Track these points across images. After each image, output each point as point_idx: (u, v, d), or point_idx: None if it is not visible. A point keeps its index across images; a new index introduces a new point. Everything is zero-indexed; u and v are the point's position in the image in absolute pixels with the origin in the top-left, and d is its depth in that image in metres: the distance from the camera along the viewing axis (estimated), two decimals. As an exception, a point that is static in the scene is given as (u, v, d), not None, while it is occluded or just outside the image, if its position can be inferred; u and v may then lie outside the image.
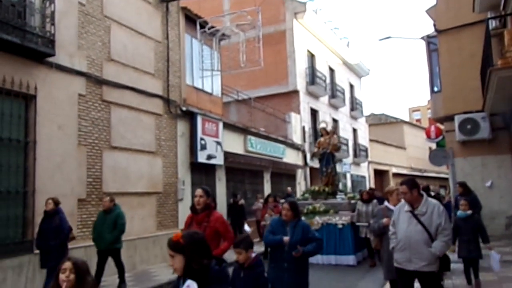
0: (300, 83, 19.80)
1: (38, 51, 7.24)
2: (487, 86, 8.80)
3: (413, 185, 4.12)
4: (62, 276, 2.46)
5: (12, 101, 7.07)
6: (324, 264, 9.59)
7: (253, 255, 3.77)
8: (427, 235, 4.01)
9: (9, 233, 6.86)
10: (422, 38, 13.58)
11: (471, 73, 11.25)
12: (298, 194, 15.71)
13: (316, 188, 11.52)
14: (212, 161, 12.30)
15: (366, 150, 28.19)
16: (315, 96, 21.35)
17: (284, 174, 17.76)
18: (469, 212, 6.32)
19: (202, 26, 11.91)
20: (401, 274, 4.27)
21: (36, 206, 7.07)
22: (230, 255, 4.04)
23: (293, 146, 18.57)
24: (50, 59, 7.61)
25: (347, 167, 23.62)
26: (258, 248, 4.58)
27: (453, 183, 11.60)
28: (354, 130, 27.28)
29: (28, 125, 7.30)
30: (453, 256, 6.99)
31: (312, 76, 21.01)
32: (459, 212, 6.48)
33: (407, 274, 4.17)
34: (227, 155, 13.07)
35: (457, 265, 7.06)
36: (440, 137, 13.61)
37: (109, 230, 7.25)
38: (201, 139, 11.79)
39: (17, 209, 7.04)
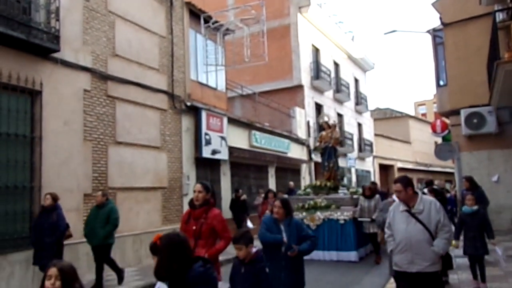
0: (305, 78, 19.71)
1: (43, 47, 7.27)
2: (493, 79, 8.73)
3: (408, 183, 3.97)
4: (47, 284, 2.34)
5: (18, 97, 7.13)
6: (326, 261, 9.41)
7: (254, 250, 3.64)
8: (428, 233, 3.85)
9: (17, 227, 6.93)
10: (428, 31, 13.47)
11: (477, 67, 11.17)
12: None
13: (318, 183, 11.32)
14: (217, 156, 12.33)
15: (371, 145, 28.07)
16: (320, 91, 21.27)
17: (288, 169, 17.76)
18: (475, 207, 6.09)
19: (206, 21, 11.89)
20: (402, 277, 4.04)
21: (42, 201, 7.12)
22: (231, 250, 3.93)
23: (297, 141, 18.54)
24: (55, 55, 7.64)
25: (352, 162, 23.53)
26: (259, 244, 4.52)
27: (459, 178, 11.55)
28: (359, 125, 27.16)
29: (34, 121, 7.35)
30: (458, 252, 6.97)
31: (317, 71, 20.91)
32: (464, 208, 6.25)
33: (409, 277, 3.92)
34: (231, 150, 13.08)
35: (462, 260, 7.04)
36: (446, 132, 13.52)
37: (101, 225, 7.04)
38: (206, 134, 11.82)
39: (24, 204, 7.10)
